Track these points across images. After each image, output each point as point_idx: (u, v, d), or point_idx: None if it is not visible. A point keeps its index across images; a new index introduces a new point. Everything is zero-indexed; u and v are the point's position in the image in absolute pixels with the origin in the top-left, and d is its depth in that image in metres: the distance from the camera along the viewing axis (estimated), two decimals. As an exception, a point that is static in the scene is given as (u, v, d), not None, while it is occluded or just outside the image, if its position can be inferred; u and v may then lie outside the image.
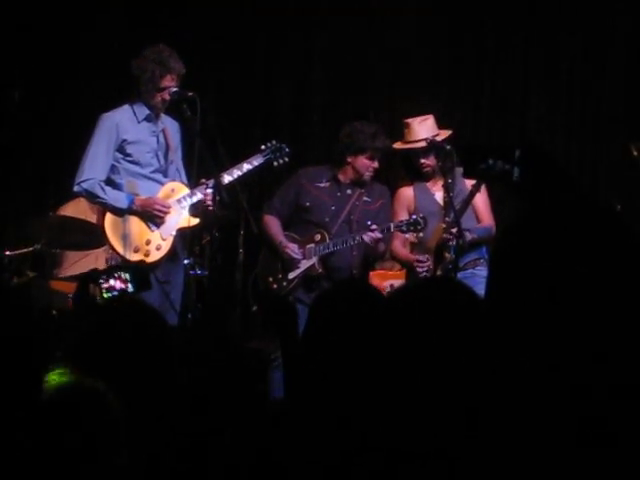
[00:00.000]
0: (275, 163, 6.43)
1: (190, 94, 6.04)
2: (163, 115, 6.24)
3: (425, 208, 6.38)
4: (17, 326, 2.71)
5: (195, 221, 6.18)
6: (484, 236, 6.31)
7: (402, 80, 8.11)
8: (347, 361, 2.52)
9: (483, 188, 6.24)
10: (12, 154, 6.33)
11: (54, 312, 6.09)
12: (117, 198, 6.04)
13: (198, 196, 6.12)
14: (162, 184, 6.21)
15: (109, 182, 6.06)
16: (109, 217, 6.05)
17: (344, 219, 6.48)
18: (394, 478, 1.86)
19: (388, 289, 6.42)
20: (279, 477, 2.29)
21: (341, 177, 6.54)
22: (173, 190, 6.22)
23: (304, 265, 6.44)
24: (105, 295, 2.88)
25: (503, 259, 1.55)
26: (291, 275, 6.47)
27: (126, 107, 6.18)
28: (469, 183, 6.17)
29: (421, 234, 6.28)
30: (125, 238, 6.04)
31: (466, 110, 8.00)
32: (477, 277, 6.07)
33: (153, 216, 6.09)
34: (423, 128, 6.40)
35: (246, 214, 6.19)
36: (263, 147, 6.43)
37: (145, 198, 6.10)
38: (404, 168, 6.60)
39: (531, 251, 1.50)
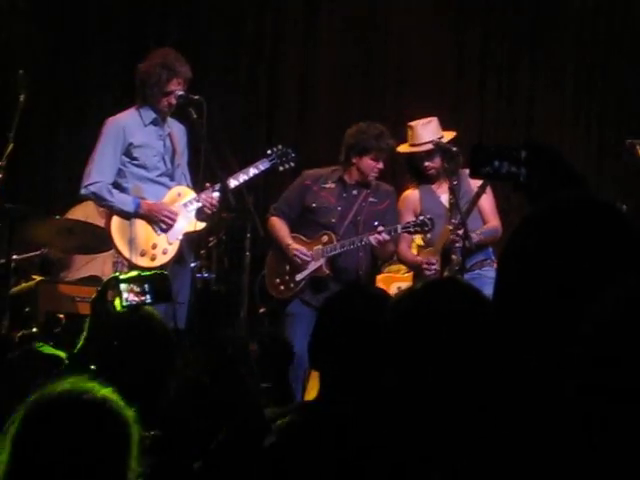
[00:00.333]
0: (281, 168, 6.46)
1: (196, 97, 6.04)
2: (169, 119, 6.23)
3: (431, 210, 6.37)
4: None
5: (201, 225, 6.18)
6: (490, 237, 6.31)
7: (408, 81, 8.12)
8: (355, 364, 2.52)
9: (489, 189, 6.24)
10: (18, 158, 6.33)
11: (61, 316, 6.10)
12: (124, 201, 6.04)
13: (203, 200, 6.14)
14: (168, 188, 6.21)
15: (116, 186, 6.06)
16: (116, 221, 6.05)
17: (351, 220, 6.48)
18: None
19: (395, 292, 6.41)
20: None
21: (346, 178, 6.54)
22: (179, 194, 6.22)
23: (312, 267, 6.44)
24: (124, 304, 2.89)
25: (511, 260, 1.56)
26: (298, 277, 6.46)
27: (133, 111, 6.18)
28: (475, 184, 6.16)
29: (429, 235, 6.28)
30: (132, 242, 6.04)
31: (471, 111, 8.00)
32: (484, 278, 6.06)
33: (160, 222, 6.09)
34: (427, 131, 6.38)
35: (253, 217, 6.20)
36: (269, 152, 6.44)
37: (152, 203, 6.09)
38: (409, 171, 6.59)
39: (539, 251, 1.50)
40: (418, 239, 6.74)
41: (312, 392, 5.62)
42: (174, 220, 6.09)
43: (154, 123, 6.18)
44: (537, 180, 1.95)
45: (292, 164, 6.49)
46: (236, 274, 6.52)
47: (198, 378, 2.84)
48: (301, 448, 2.46)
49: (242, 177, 6.21)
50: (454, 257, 6.09)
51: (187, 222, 6.15)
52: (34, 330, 5.96)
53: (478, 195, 6.08)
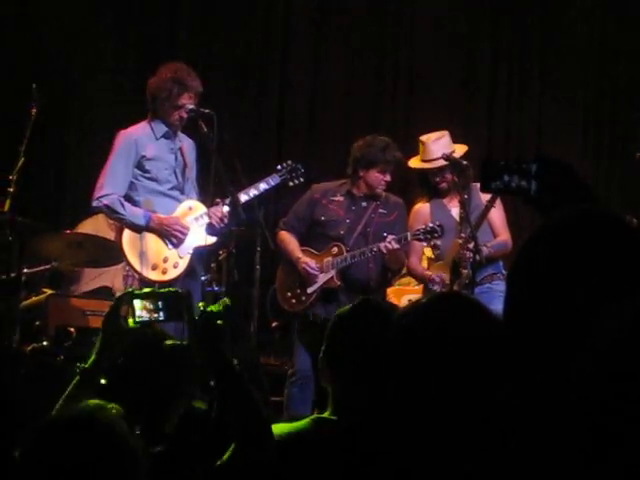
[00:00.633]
0: (291, 183, 6.51)
1: (207, 111, 6.06)
2: (180, 133, 6.26)
3: (442, 224, 6.37)
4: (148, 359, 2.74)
5: (212, 239, 6.19)
6: (500, 251, 6.30)
7: (417, 96, 8.13)
8: (365, 379, 2.52)
9: (499, 203, 6.24)
10: (29, 172, 6.35)
11: (72, 329, 6.10)
12: (135, 215, 6.04)
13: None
14: (179, 201, 6.22)
15: (127, 199, 6.07)
16: (127, 234, 6.06)
17: (360, 231, 6.49)
18: None
19: (406, 304, 6.40)
20: None
21: (355, 191, 6.55)
22: (191, 208, 6.23)
23: (322, 279, 6.45)
24: (137, 319, 2.88)
25: (521, 274, 1.55)
26: (310, 290, 6.47)
27: (144, 124, 6.20)
28: (485, 198, 6.16)
29: (438, 251, 6.27)
30: (143, 255, 6.04)
31: (481, 125, 8.00)
32: (494, 292, 6.06)
33: (171, 237, 6.10)
34: (438, 146, 6.37)
35: (263, 230, 6.21)
36: (279, 167, 6.48)
37: (164, 217, 6.10)
38: (420, 185, 6.60)
39: (549, 266, 1.50)
40: (429, 252, 6.74)
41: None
42: (185, 234, 6.10)
43: (166, 136, 6.20)
44: (547, 194, 1.95)
45: (302, 179, 6.54)
46: (246, 287, 6.52)
47: (202, 398, 2.84)
48: (312, 462, 2.45)
49: (252, 192, 6.23)
50: (464, 271, 6.09)
51: (198, 236, 6.16)
52: (44, 344, 5.97)
53: (487, 208, 6.08)
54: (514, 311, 1.54)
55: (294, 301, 6.52)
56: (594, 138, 7.93)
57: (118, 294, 6.38)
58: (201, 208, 6.22)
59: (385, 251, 6.23)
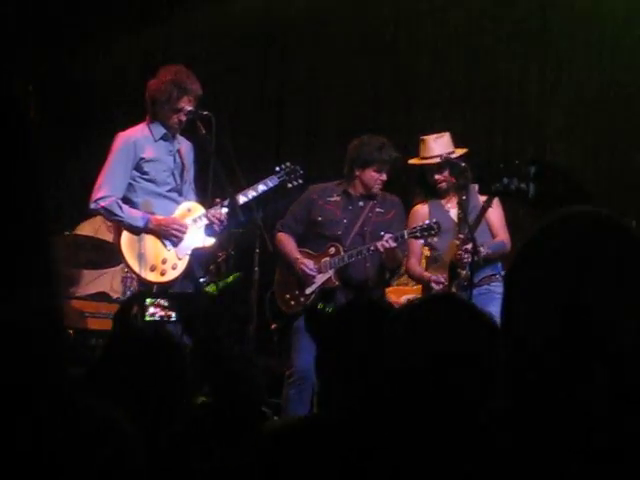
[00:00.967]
0: (289, 185, 6.52)
1: (205, 113, 6.07)
2: (178, 135, 6.27)
3: (440, 225, 6.38)
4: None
5: (211, 241, 6.20)
6: (498, 251, 6.30)
7: (418, 97, 8.13)
8: (360, 378, 2.52)
9: (497, 203, 6.24)
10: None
11: (70, 331, 6.10)
12: (133, 217, 6.05)
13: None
14: (178, 203, 6.23)
15: (126, 200, 6.07)
16: (125, 236, 6.06)
17: (357, 231, 6.51)
18: None
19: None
20: None
21: (351, 191, 6.58)
22: (189, 210, 6.24)
23: (320, 279, 6.47)
24: (147, 319, 2.89)
25: (518, 275, 1.56)
26: (308, 290, 6.49)
27: (143, 126, 6.20)
28: (483, 199, 6.17)
29: (435, 239, 6.28)
30: (141, 257, 6.05)
31: (481, 127, 8.00)
32: (492, 293, 6.06)
33: (170, 236, 6.11)
34: (438, 145, 6.41)
35: (261, 232, 6.22)
36: (277, 169, 6.49)
37: (162, 218, 6.11)
38: (419, 185, 6.61)
39: (547, 268, 1.50)
40: (427, 252, 6.75)
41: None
42: (184, 233, 6.11)
43: (164, 139, 6.20)
44: (546, 196, 1.96)
45: (300, 181, 6.55)
46: (244, 289, 6.52)
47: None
48: (305, 459, 2.46)
49: (251, 193, 6.24)
50: (462, 272, 6.09)
51: (196, 238, 6.17)
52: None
53: (484, 209, 6.08)
54: (512, 313, 1.55)
55: (293, 302, 6.54)
56: (595, 138, 7.91)
57: (116, 296, 6.39)
58: (200, 210, 6.23)
59: (382, 249, 6.25)
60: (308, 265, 6.46)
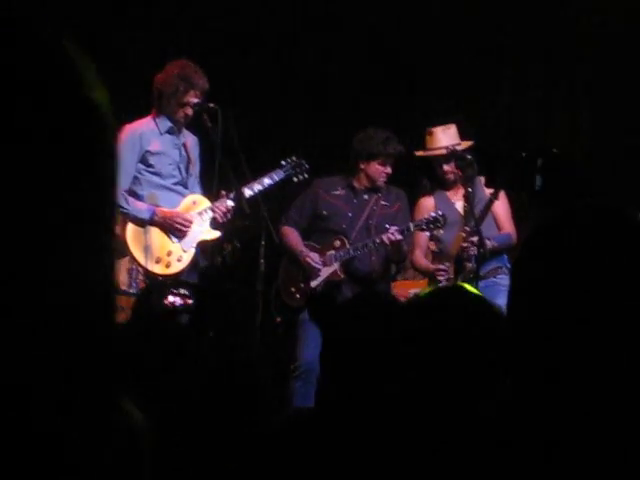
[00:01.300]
0: (295, 179, 6.53)
1: (211, 106, 6.07)
2: (184, 129, 6.28)
3: (444, 214, 6.37)
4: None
5: (216, 234, 6.21)
6: (504, 244, 6.30)
7: (424, 89, 8.11)
8: (367, 373, 2.52)
9: (503, 196, 6.23)
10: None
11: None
12: (139, 209, 6.06)
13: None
14: (183, 196, 6.24)
15: (131, 193, 6.08)
16: (131, 228, 6.07)
17: (363, 224, 6.52)
18: None
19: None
20: None
21: (356, 184, 6.59)
22: (195, 202, 6.24)
23: (325, 272, 6.48)
24: (169, 306, 2.88)
25: (525, 268, 1.55)
26: (313, 284, 6.49)
27: (149, 119, 6.21)
28: (489, 191, 6.17)
29: (441, 231, 6.29)
30: (147, 249, 6.06)
31: (487, 118, 7.98)
32: (499, 286, 6.06)
33: (174, 230, 6.11)
34: (445, 136, 6.42)
35: (267, 225, 6.22)
36: (283, 163, 6.49)
37: (167, 211, 6.12)
38: (426, 177, 6.61)
39: (552, 260, 1.49)
40: (432, 245, 6.75)
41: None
42: (188, 227, 6.12)
43: (170, 132, 6.21)
44: (552, 188, 1.95)
45: (306, 175, 6.56)
46: (250, 282, 6.52)
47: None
48: (309, 454, 2.46)
49: (257, 187, 6.24)
50: (468, 265, 6.09)
51: (202, 230, 6.18)
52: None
53: (491, 201, 6.07)
54: (518, 305, 1.54)
55: (298, 296, 6.54)
56: (602, 129, 7.87)
57: (122, 288, 6.40)
58: (205, 202, 6.24)
59: (388, 242, 6.26)
60: (314, 258, 6.47)
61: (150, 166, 6.13)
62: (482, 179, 6.28)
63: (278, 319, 6.66)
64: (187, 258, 6.15)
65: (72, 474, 0.93)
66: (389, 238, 6.24)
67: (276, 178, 6.40)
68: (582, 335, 1.43)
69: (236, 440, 2.64)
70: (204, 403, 2.80)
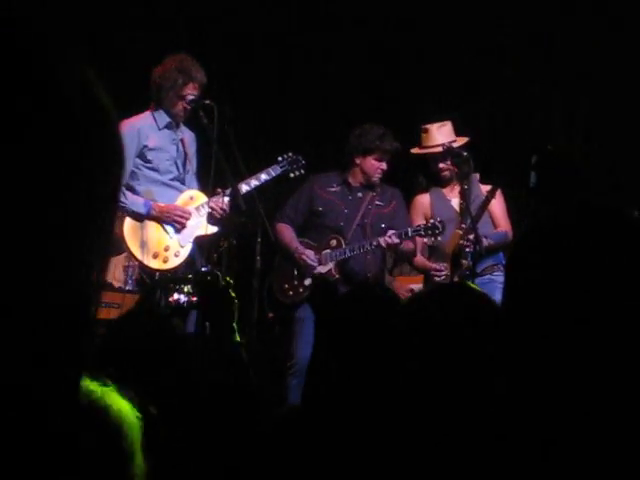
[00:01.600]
0: (291, 174, 6.53)
1: (207, 102, 6.07)
2: (181, 125, 6.28)
3: (441, 214, 6.38)
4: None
5: (213, 229, 6.22)
6: (500, 242, 6.30)
7: (420, 87, 8.11)
8: (363, 367, 2.52)
9: (499, 193, 6.24)
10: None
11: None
12: (136, 203, 6.08)
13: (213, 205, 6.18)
14: (180, 191, 6.25)
15: (128, 188, 6.09)
16: (128, 223, 6.08)
17: (358, 223, 6.52)
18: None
19: (409, 294, 6.42)
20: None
21: (351, 180, 6.59)
22: (192, 198, 6.26)
23: (320, 271, 6.47)
24: (172, 303, 2.89)
25: (519, 266, 1.55)
26: (307, 282, 6.48)
27: (147, 114, 6.22)
28: (485, 189, 6.18)
29: (439, 238, 6.29)
30: (144, 244, 6.07)
31: (483, 116, 7.99)
32: (495, 283, 6.07)
33: (173, 222, 6.13)
34: (441, 133, 6.42)
35: (263, 221, 6.22)
36: (280, 158, 6.49)
37: (165, 204, 6.14)
38: (422, 174, 6.61)
39: (548, 257, 1.50)
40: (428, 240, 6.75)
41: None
42: (187, 219, 6.14)
43: (168, 127, 6.22)
44: (547, 184, 1.96)
45: (302, 171, 6.56)
46: (246, 278, 6.52)
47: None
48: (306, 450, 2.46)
49: (253, 182, 6.25)
50: (464, 262, 6.10)
51: (199, 226, 6.19)
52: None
53: (488, 200, 6.09)
54: (513, 302, 1.54)
55: (291, 293, 6.54)
56: (598, 126, 7.87)
57: (118, 285, 6.39)
58: (202, 198, 6.25)
59: (385, 245, 6.25)
60: (309, 255, 6.46)
61: (148, 161, 6.14)
62: (477, 176, 6.29)
63: (270, 315, 6.65)
64: (184, 253, 6.16)
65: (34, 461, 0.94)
66: (386, 242, 6.23)
67: (273, 173, 6.40)
68: (576, 332, 1.44)
69: (231, 438, 2.64)
70: (200, 400, 2.81)
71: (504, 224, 6.42)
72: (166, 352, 2.92)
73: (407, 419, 1.96)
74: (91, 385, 1.52)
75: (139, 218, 6.08)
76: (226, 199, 6.13)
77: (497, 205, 6.33)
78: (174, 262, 6.12)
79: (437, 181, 6.52)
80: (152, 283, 2.84)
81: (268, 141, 8.03)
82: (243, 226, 6.44)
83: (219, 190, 6.16)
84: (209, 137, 6.10)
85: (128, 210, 6.06)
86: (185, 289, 2.80)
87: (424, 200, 6.55)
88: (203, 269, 6.29)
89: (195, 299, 2.81)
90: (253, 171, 6.31)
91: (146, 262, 6.05)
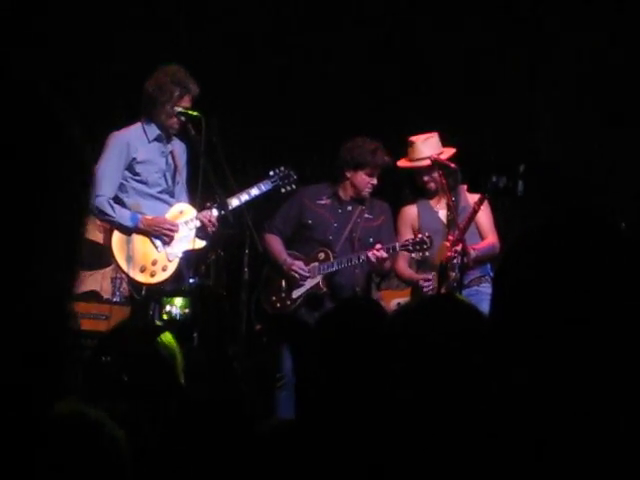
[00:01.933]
0: (283, 190, 6.49)
1: (195, 114, 6.06)
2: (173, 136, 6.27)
3: (429, 226, 6.38)
4: None
5: (201, 244, 6.21)
6: (488, 253, 6.31)
7: (409, 96, 8.11)
8: (351, 380, 2.52)
9: (486, 205, 6.23)
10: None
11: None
12: (124, 216, 6.06)
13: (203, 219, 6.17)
14: (169, 204, 6.24)
15: (117, 200, 6.08)
16: (116, 236, 6.07)
17: (347, 236, 6.48)
18: None
19: (395, 308, 6.41)
20: None
21: (341, 194, 6.55)
22: (181, 212, 6.24)
23: (308, 284, 6.45)
24: (164, 317, 2.89)
25: (506, 277, 1.56)
26: (295, 294, 6.47)
27: (137, 126, 6.20)
28: (472, 200, 6.17)
29: (427, 253, 6.27)
30: (132, 257, 6.06)
31: (471, 126, 7.99)
32: (482, 294, 6.06)
33: (161, 235, 6.11)
34: (427, 146, 6.39)
35: (251, 233, 6.21)
36: (272, 173, 6.47)
37: (153, 217, 6.12)
38: (408, 186, 6.60)
39: (534, 269, 1.51)
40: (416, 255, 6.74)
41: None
42: (175, 232, 6.12)
43: (158, 140, 6.21)
44: (534, 194, 1.97)
45: (294, 186, 6.52)
46: (234, 290, 6.51)
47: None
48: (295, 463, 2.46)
49: (244, 197, 6.24)
50: (452, 273, 6.10)
51: (187, 240, 6.18)
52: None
53: (475, 211, 6.08)
54: (500, 313, 1.55)
55: (279, 305, 6.51)
56: (591, 131, 7.86)
57: (106, 296, 6.37)
58: (192, 212, 6.23)
59: (374, 259, 6.23)
60: (299, 266, 6.44)
61: (136, 174, 6.13)
62: (464, 187, 6.27)
63: (258, 326, 6.64)
64: (172, 267, 6.15)
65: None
66: (375, 255, 6.21)
67: (264, 189, 6.38)
68: (564, 339, 1.44)
69: (221, 450, 2.64)
70: (191, 412, 2.80)
71: (491, 235, 6.42)
72: (158, 366, 2.92)
73: (395, 429, 1.96)
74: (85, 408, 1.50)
75: (127, 231, 6.07)
76: (215, 212, 6.12)
77: (484, 216, 6.32)
78: (161, 276, 6.11)
79: (422, 193, 6.51)
80: (145, 295, 2.83)
81: (267, 143, 8.01)
82: (231, 238, 6.44)
83: (208, 204, 6.15)
84: (196, 149, 6.09)
85: (116, 223, 6.05)
86: (178, 302, 2.80)
87: (411, 211, 6.55)
88: (191, 281, 6.30)
89: (187, 311, 2.81)
90: (244, 181, 6.30)
91: (133, 275, 6.04)
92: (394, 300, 7.11)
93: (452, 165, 6.19)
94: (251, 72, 8.15)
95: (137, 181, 6.14)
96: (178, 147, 6.31)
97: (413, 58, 8.13)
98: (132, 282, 6.04)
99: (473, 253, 6.13)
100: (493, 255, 6.32)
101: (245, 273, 6.36)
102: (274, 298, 6.54)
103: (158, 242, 6.15)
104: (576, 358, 1.43)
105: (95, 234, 6.76)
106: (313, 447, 2.39)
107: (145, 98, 6.15)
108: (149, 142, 6.18)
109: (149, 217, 6.11)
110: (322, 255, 6.46)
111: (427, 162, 6.32)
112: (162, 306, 2.70)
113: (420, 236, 6.22)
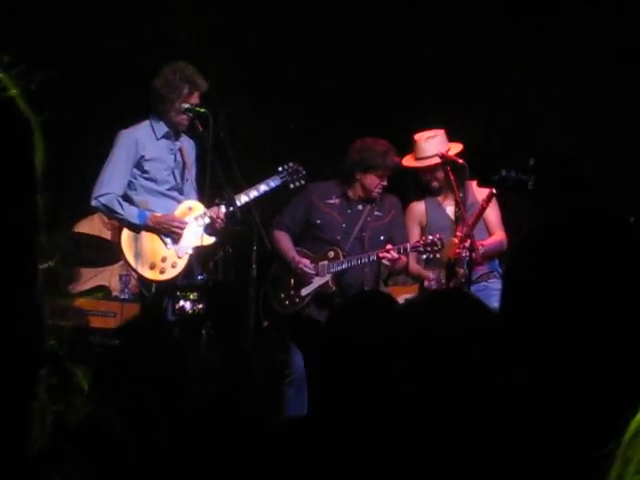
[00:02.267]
0: (292, 185, 6.46)
1: (202, 110, 6.06)
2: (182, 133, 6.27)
3: (437, 222, 6.38)
4: None
5: (211, 240, 6.20)
6: (496, 249, 6.31)
7: (415, 91, 8.10)
8: (363, 375, 2.52)
9: (494, 201, 6.23)
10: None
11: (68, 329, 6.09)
12: (133, 214, 6.07)
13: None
14: (178, 201, 6.24)
15: (126, 198, 6.08)
16: (126, 233, 6.08)
17: (356, 236, 6.45)
18: None
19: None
20: None
21: (350, 194, 6.50)
22: (190, 208, 6.24)
23: (317, 282, 6.43)
24: (179, 311, 2.90)
25: (517, 272, 1.56)
26: (304, 292, 6.45)
27: (146, 123, 6.19)
28: (480, 196, 6.16)
29: (438, 255, 6.25)
30: (141, 254, 6.06)
31: (479, 120, 7.98)
32: (490, 290, 6.06)
33: (170, 232, 6.11)
34: (431, 145, 6.34)
35: (259, 230, 6.20)
36: (280, 169, 6.45)
37: (162, 215, 6.12)
38: (413, 184, 6.58)
39: (544, 264, 1.50)
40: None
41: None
42: (183, 229, 6.12)
43: (166, 137, 6.20)
44: (545, 188, 1.96)
45: (302, 182, 6.49)
46: (243, 286, 6.51)
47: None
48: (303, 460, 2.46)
49: (253, 193, 6.23)
50: (460, 270, 6.10)
51: (197, 236, 6.18)
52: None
53: (483, 208, 6.08)
54: (510, 309, 1.55)
55: (287, 302, 6.50)
56: (595, 128, 7.84)
57: (114, 293, 6.39)
58: (200, 208, 6.23)
59: (387, 262, 6.22)
60: (307, 264, 6.42)
61: (145, 172, 6.13)
62: (473, 183, 6.26)
63: (265, 323, 6.63)
64: (182, 264, 6.15)
65: None
66: (386, 257, 6.20)
67: (272, 185, 6.37)
68: (573, 335, 1.44)
69: (230, 446, 2.64)
70: (202, 407, 2.81)
71: (499, 231, 6.41)
72: (166, 363, 2.93)
73: (402, 425, 1.96)
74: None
75: (135, 229, 6.08)
76: (223, 209, 6.11)
77: (492, 212, 6.31)
78: (171, 273, 6.11)
79: (428, 191, 6.50)
80: (155, 292, 2.84)
81: (268, 143, 8.02)
82: (239, 234, 6.44)
83: (217, 201, 6.14)
84: (205, 145, 6.09)
85: (125, 221, 6.06)
86: (191, 297, 2.80)
87: (419, 208, 6.54)
88: (199, 277, 6.30)
89: (200, 307, 2.81)
90: (251, 176, 6.29)
91: (142, 272, 6.04)
92: (401, 296, 7.10)
93: (460, 161, 6.17)
94: (252, 72, 8.15)
95: (146, 179, 6.15)
96: (187, 144, 6.31)
97: (413, 58, 8.12)
98: (141, 279, 6.04)
99: (481, 249, 6.13)
100: (501, 251, 6.32)
101: (253, 269, 6.36)
102: (283, 296, 6.53)
103: (167, 239, 6.15)
104: (576, 358, 1.43)
105: (103, 231, 6.77)
106: (324, 443, 2.39)
107: (153, 95, 6.14)
108: (157, 139, 6.18)
109: (158, 214, 6.12)
110: (332, 254, 6.44)
111: (434, 161, 6.29)
112: (175, 302, 2.70)
113: (431, 237, 6.20)
